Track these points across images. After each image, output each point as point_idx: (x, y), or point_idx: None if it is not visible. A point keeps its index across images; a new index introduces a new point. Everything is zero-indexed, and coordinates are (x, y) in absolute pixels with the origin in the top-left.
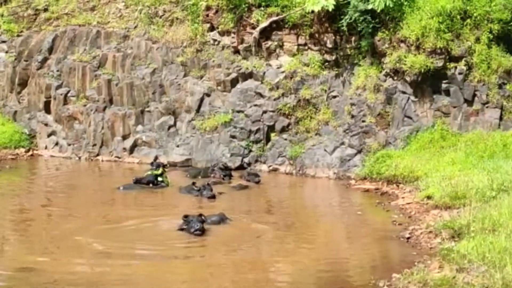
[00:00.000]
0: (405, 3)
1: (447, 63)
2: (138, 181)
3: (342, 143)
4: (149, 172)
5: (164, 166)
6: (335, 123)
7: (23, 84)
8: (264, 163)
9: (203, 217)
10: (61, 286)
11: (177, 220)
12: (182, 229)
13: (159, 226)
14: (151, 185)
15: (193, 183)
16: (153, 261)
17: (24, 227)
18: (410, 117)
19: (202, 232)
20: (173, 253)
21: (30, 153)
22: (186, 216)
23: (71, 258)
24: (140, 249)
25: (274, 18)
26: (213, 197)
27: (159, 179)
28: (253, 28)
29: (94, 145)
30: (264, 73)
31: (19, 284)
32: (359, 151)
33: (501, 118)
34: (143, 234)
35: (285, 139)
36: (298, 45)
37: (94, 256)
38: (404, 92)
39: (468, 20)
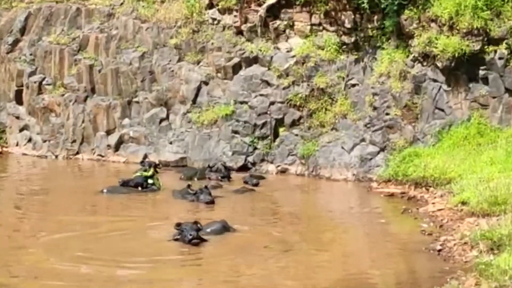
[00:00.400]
0: None
1: (485, 46)
2: (125, 184)
3: (363, 140)
4: (138, 173)
5: (156, 166)
6: (354, 116)
7: None
8: (272, 162)
9: (198, 225)
10: None
11: (169, 229)
12: (176, 239)
13: (148, 237)
14: (140, 188)
15: (188, 186)
16: (140, 286)
17: None
18: (442, 109)
19: (199, 241)
20: (164, 274)
21: None
22: (178, 225)
23: (44, 280)
24: (125, 268)
25: None
26: (211, 202)
27: (150, 181)
28: (259, 5)
29: (74, 141)
30: (271, 57)
31: None
32: (382, 149)
33: None
34: (129, 248)
35: (296, 135)
36: (311, 25)
37: (70, 277)
38: (435, 80)
39: None
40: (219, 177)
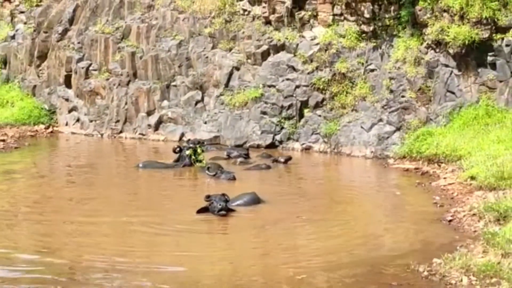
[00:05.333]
0: None
1: (494, 34)
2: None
3: (380, 120)
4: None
5: (200, 143)
6: (372, 98)
7: (43, 57)
8: (297, 141)
9: (226, 197)
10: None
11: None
12: (206, 210)
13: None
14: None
15: (208, 168)
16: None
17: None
18: (453, 92)
19: (226, 212)
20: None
21: (50, 129)
22: (208, 196)
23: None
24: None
25: None
26: (233, 178)
27: (187, 152)
28: None
29: (117, 121)
30: (297, 45)
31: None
32: (398, 129)
33: None
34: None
35: (319, 116)
36: (334, 15)
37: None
38: (446, 66)
39: None
40: (243, 154)
